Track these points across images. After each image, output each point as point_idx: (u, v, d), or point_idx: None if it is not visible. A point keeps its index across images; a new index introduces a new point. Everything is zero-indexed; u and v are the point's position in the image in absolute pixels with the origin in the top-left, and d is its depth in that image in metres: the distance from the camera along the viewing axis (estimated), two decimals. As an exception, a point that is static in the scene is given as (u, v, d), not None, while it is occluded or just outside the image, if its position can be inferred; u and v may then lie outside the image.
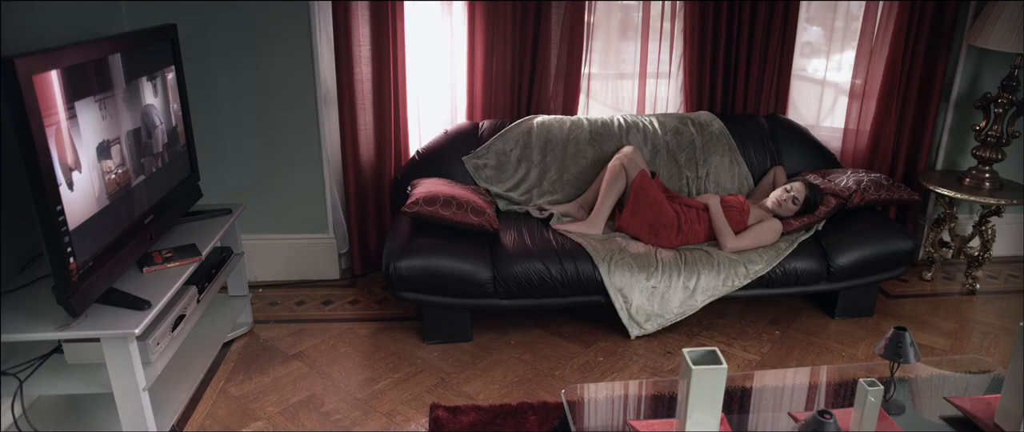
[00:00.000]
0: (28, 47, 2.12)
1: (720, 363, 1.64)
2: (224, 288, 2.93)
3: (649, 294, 2.80)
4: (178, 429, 2.35)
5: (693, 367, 1.61)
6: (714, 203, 2.97)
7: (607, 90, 3.62)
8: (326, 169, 3.30)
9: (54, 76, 1.84)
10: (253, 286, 3.30)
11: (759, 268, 2.83)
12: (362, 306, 3.21)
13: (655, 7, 3.36)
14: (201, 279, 2.47)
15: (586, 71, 3.46)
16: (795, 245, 2.90)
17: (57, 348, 2.20)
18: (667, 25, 3.39)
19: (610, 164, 3.05)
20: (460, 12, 3.23)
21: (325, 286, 3.40)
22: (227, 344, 2.86)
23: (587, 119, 3.33)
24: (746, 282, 2.81)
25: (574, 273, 2.77)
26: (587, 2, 3.27)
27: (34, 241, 2.32)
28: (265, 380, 2.63)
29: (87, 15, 2.68)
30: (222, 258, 2.68)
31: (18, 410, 2.17)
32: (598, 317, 3.01)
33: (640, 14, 3.38)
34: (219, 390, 2.57)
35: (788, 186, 3.05)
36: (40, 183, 1.80)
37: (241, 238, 2.90)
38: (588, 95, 3.55)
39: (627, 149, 3.09)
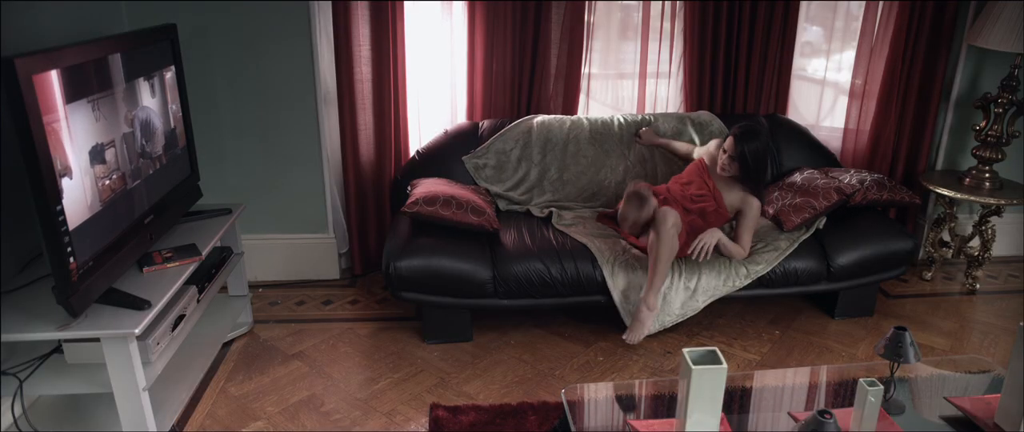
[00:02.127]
0: (28, 47, 2.11)
1: (720, 363, 1.64)
2: (224, 288, 2.93)
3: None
4: (178, 429, 2.35)
5: (693, 367, 1.61)
6: (722, 237, 2.82)
7: (607, 90, 3.62)
8: (326, 169, 3.30)
9: (54, 76, 1.84)
10: (253, 286, 3.30)
11: (759, 268, 2.83)
12: (362, 306, 3.21)
13: (655, 7, 3.36)
14: (201, 279, 2.47)
15: (586, 71, 3.46)
16: (796, 245, 2.90)
17: (57, 348, 2.20)
18: (667, 25, 3.39)
19: (667, 233, 2.67)
20: (460, 12, 3.23)
21: (325, 286, 3.40)
22: (227, 344, 2.86)
23: (587, 119, 3.33)
24: (747, 282, 2.81)
25: (574, 273, 2.77)
26: (587, 2, 3.27)
27: (34, 241, 2.32)
28: (265, 380, 2.63)
29: (87, 15, 2.68)
30: (222, 258, 2.68)
31: (18, 410, 2.16)
32: (598, 317, 3.01)
33: (640, 14, 3.38)
34: (219, 390, 2.57)
35: (724, 146, 2.93)
36: (40, 183, 1.80)
37: (241, 238, 2.90)
38: (588, 95, 3.55)
39: (665, 210, 2.71)
